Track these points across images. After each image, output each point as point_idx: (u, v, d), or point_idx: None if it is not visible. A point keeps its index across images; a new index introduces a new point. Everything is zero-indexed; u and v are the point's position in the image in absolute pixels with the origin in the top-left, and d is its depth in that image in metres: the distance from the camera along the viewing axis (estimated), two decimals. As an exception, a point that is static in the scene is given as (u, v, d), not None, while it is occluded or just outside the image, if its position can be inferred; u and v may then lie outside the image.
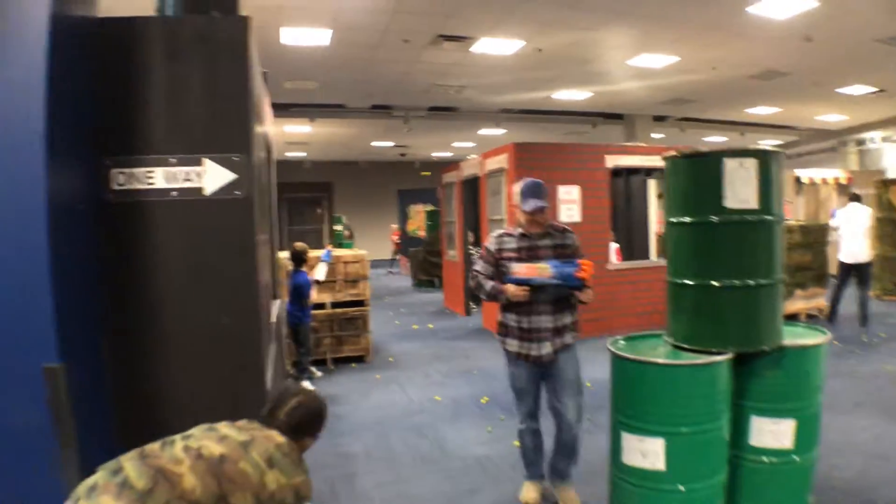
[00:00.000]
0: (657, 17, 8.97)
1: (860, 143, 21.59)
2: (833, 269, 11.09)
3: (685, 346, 3.67)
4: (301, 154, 22.88)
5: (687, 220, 3.65)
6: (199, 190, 3.00)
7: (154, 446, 2.16)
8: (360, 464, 4.86)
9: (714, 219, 3.52)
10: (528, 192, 3.94)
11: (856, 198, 9.94)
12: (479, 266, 4.09)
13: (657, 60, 11.27)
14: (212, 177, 3.02)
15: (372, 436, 5.46)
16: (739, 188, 3.46)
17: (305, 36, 9.21)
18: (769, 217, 3.54)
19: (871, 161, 21.60)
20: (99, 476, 1.96)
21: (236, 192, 3.04)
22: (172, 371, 3.01)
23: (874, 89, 14.20)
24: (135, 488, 1.89)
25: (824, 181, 16.47)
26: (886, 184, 12.92)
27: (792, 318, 9.95)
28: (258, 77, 4.15)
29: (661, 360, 3.47)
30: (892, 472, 4.44)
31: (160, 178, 2.97)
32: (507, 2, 8.20)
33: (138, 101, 2.93)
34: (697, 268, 3.64)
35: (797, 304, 10.23)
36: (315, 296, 7.25)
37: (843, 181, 16.45)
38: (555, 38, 9.74)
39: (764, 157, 3.50)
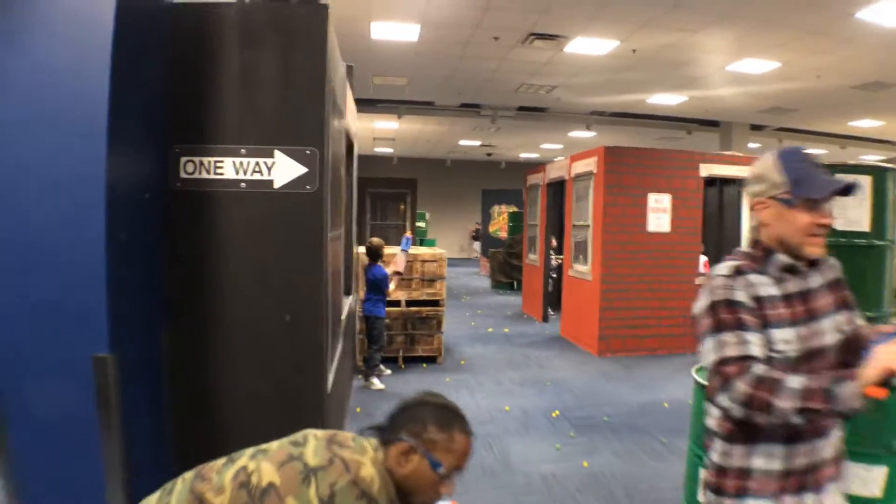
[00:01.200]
0: (760, 20, 8.47)
1: (972, 162, 20.13)
2: None
3: (778, 376, 3.36)
4: (388, 150, 23.03)
5: (789, 239, 3.34)
6: (268, 182, 2.92)
7: (216, 464, 1.80)
8: (422, 471, 4.71)
9: (819, 241, 3.20)
10: (805, 165, 1.95)
11: None
12: (734, 348, 1.77)
13: (757, 66, 10.69)
14: (282, 169, 2.93)
15: (437, 442, 5.30)
16: (850, 208, 3.14)
17: (394, 31, 9.12)
18: (881, 242, 3.21)
19: None
20: (155, 496, 1.79)
21: (307, 187, 2.94)
22: (230, 367, 2.94)
23: None
24: None
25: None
26: None
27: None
28: (338, 68, 4.06)
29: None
30: None
31: (229, 168, 2.90)
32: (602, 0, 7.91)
33: (210, 90, 2.87)
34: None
35: (901, 333, 9.50)
36: (393, 288, 7.17)
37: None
38: (651, 38, 9.35)
39: (880, 175, 3.17)
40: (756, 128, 16.86)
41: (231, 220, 2.93)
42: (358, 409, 6.04)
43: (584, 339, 9.32)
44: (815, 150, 19.07)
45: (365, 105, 13.77)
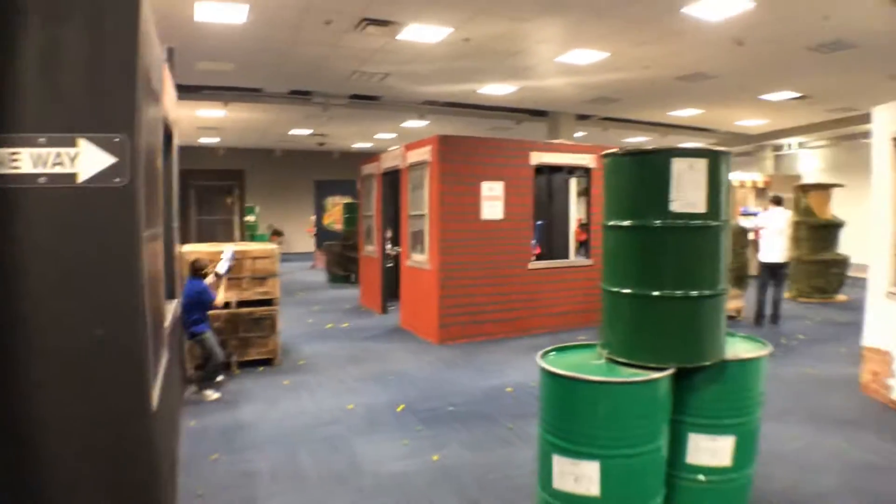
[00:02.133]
0: (590, 10, 8.76)
1: (777, 148, 22.33)
2: (752, 271, 11.41)
3: (621, 359, 3.41)
4: (214, 139, 21.96)
5: (627, 223, 3.38)
6: (71, 176, 2.51)
7: None
8: (263, 484, 4.39)
9: (657, 223, 3.27)
10: None
11: (778, 201, 10.14)
12: None
13: (586, 56, 11.12)
14: (87, 160, 2.53)
15: (278, 451, 4.98)
16: (688, 191, 3.21)
17: (220, 12, 8.55)
18: (716, 222, 3.32)
19: (786, 166, 22.41)
20: None
21: (116, 180, 2.55)
22: (40, 389, 2.52)
23: (796, 95, 14.51)
24: None
25: (742, 184, 16.91)
26: (805, 189, 13.24)
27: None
28: (153, 48, 3.64)
29: (597, 378, 3.16)
30: (826, 486, 4.30)
31: (27, 160, 2.46)
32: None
33: (4, 71, 2.42)
34: (637, 276, 3.38)
35: (715, 307, 10.24)
36: (222, 297, 6.72)
37: (761, 184, 16.91)
38: (484, 27, 9.42)
39: (715, 158, 3.26)
40: (582, 117, 17.67)
41: (30, 220, 2.50)
42: (192, 423, 5.58)
43: (424, 328, 9.28)
44: (637, 138, 20.34)
45: (188, 92, 12.95)
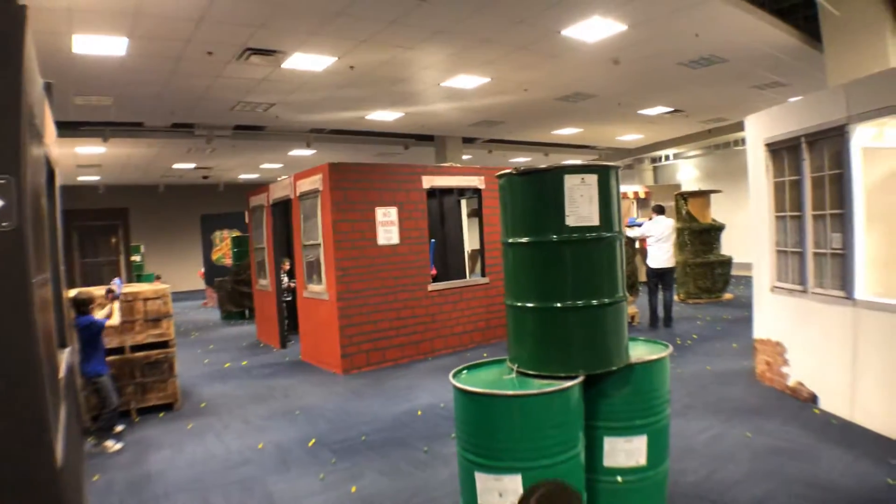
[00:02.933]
0: (473, 38, 9.02)
1: (655, 160, 23.52)
2: (642, 278, 11.99)
3: (531, 372, 3.50)
4: (94, 178, 20.98)
5: (525, 240, 3.49)
6: (-47, 221, 2.37)
7: None
8: (173, 532, 4.21)
9: (554, 237, 3.39)
10: None
11: (660, 210, 10.73)
12: None
13: (470, 81, 11.40)
14: (-29, 204, 2.39)
15: (191, 498, 4.76)
16: (581, 205, 3.35)
17: (99, 44, 8.23)
18: (610, 234, 3.47)
19: (665, 176, 23.66)
20: None
21: (3, 224, 2.42)
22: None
23: (671, 109, 15.40)
24: None
25: (625, 195, 17.69)
26: (685, 197, 13.98)
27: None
28: (35, 84, 3.48)
29: (511, 392, 3.23)
30: (739, 473, 4.55)
31: None
32: (321, 14, 7.84)
33: None
34: (539, 290, 3.49)
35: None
36: (118, 317, 6.30)
37: (642, 195, 17.76)
38: (368, 55, 9.50)
39: (605, 173, 3.42)
40: (468, 140, 18.02)
41: None
42: (95, 478, 5.26)
43: (326, 359, 9.15)
44: (521, 159, 20.91)
45: (65, 128, 12.37)
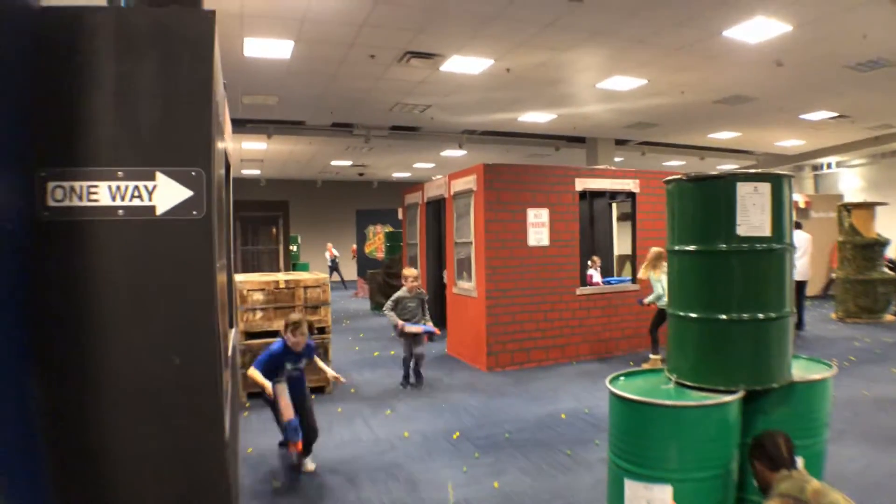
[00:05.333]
0: (630, 40, 8.81)
1: (816, 167, 22.01)
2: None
3: (690, 383, 3.38)
4: (256, 171, 22.33)
5: (693, 248, 3.37)
6: (150, 209, 2.57)
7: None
8: (325, 511, 4.41)
9: (723, 247, 3.26)
10: None
11: (798, 225, 11.22)
12: None
13: (625, 83, 11.14)
14: (165, 193, 2.59)
15: (338, 478, 5.00)
16: (752, 214, 3.19)
17: (266, 47, 8.77)
18: (780, 245, 3.29)
19: (827, 185, 22.06)
20: None
21: (194, 213, 2.61)
22: (114, 420, 2.55)
23: (835, 114, 14.34)
24: None
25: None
26: (848, 208, 13.03)
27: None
28: (220, 83, 3.75)
29: (668, 402, 3.14)
30: (890, 501, 4.20)
31: (105, 193, 2.53)
32: (479, 18, 7.92)
33: (83, 105, 2.50)
34: (704, 300, 3.36)
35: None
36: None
37: (802, 205, 16.69)
38: (525, 57, 9.51)
39: (778, 182, 3.25)
40: (620, 142, 17.62)
41: (108, 252, 2.55)
42: (249, 450, 5.62)
43: (471, 355, 9.26)
44: (675, 162, 20.19)
45: (234, 125, 13.21)
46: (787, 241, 3.34)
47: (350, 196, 25.26)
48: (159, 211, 2.58)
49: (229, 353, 4.43)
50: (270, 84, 10.81)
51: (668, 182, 3.54)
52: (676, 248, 3.47)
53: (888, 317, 12.48)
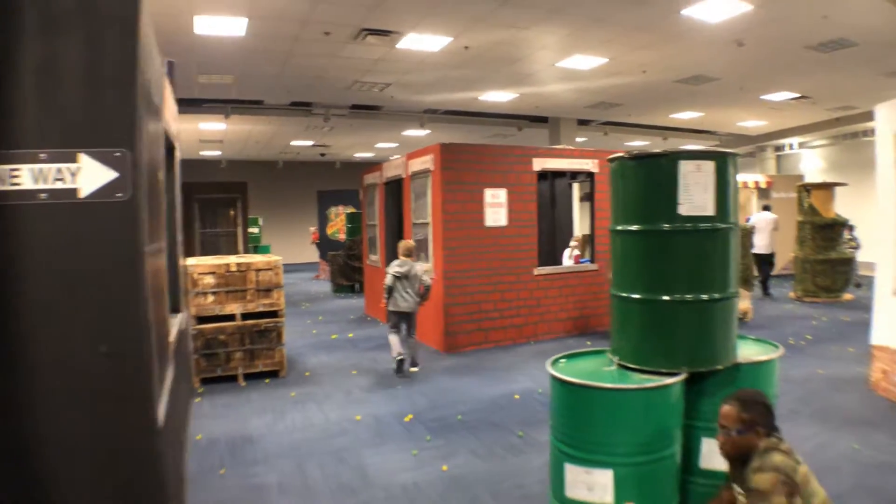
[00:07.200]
0: (590, 17, 8.75)
1: (778, 148, 22.27)
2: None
3: (633, 365, 3.37)
4: (216, 152, 21.97)
5: (635, 227, 3.35)
6: (73, 192, 2.47)
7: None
8: (272, 498, 4.35)
9: (666, 227, 3.24)
10: None
11: (766, 207, 13.24)
12: None
13: (586, 62, 11.11)
14: (89, 176, 2.49)
15: (287, 463, 4.93)
16: (695, 193, 3.17)
17: (220, 25, 8.56)
18: (725, 225, 3.28)
19: (789, 166, 22.36)
20: None
21: (118, 195, 2.51)
22: (42, 409, 2.47)
23: (797, 95, 14.50)
24: None
25: (745, 185, 16.89)
26: (808, 188, 13.20)
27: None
28: (153, 61, 3.61)
29: (608, 385, 3.13)
30: (841, 486, 4.23)
31: (27, 177, 2.42)
32: (435, -6, 7.82)
33: (3, 86, 2.38)
34: (647, 281, 3.35)
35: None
36: None
37: (763, 185, 16.91)
38: (484, 35, 9.41)
39: (722, 160, 3.23)
40: (582, 122, 17.65)
41: (31, 237, 2.45)
42: (199, 437, 5.53)
43: (430, 336, 9.23)
44: (637, 142, 20.30)
45: (189, 105, 13.00)
46: (733, 220, 3.32)
47: (312, 177, 24.99)
48: (83, 194, 2.47)
49: (170, 338, 4.33)
50: (226, 62, 10.58)
51: (611, 160, 3.50)
52: (619, 227, 3.44)
53: (846, 296, 12.72)
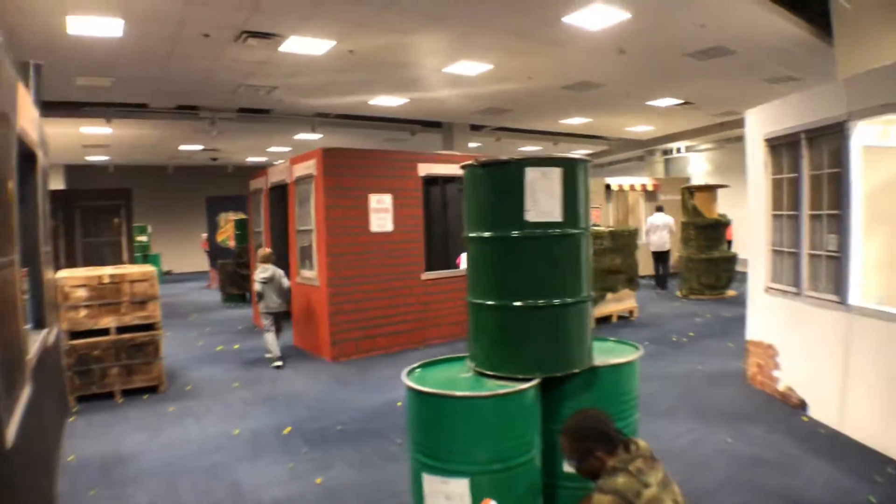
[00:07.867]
0: (470, 23, 8.85)
1: (666, 152, 23.23)
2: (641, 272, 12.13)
3: (488, 372, 3.40)
4: (103, 158, 20.99)
5: (486, 234, 3.39)
6: None
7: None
8: (135, 520, 4.19)
9: (515, 233, 3.28)
10: None
11: (660, 208, 14.75)
12: None
13: (472, 68, 11.25)
14: None
15: (159, 482, 4.75)
16: (542, 199, 3.23)
17: (94, 26, 8.16)
18: (575, 230, 3.35)
19: (676, 169, 23.39)
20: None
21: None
22: None
23: (680, 101, 15.14)
24: None
25: (633, 188, 17.55)
26: (691, 191, 13.80)
27: (604, 320, 10.31)
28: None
29: (460, 393, 3.14)
30: (714, 481, 4.42)
31: None
32: (312, -2, 7.73)
33: None
34: (498, 287, 3.39)
35: (609, 308, 10.58)
36: None
37: (650, 188, 17.58)
38: (367, 39, 9.38)
39: (569, 166, 3.30)
40: (476, 128, 17.87)
41: None
42: (71, 458, 5.26)
43: (316, 346, 9.12)
44: (529, 147, 20.74)
45: (68, 108, 12.41)
46: (583, 225, 3.40)
47: (204, 182, 24.32)
48: None
49: (28, 356, 4.10)
50: (104, 65, 10.11)
51: (463, 168, 3.54)
52: (472, 234, 3.47)
53: (730, 292, 13.39)
